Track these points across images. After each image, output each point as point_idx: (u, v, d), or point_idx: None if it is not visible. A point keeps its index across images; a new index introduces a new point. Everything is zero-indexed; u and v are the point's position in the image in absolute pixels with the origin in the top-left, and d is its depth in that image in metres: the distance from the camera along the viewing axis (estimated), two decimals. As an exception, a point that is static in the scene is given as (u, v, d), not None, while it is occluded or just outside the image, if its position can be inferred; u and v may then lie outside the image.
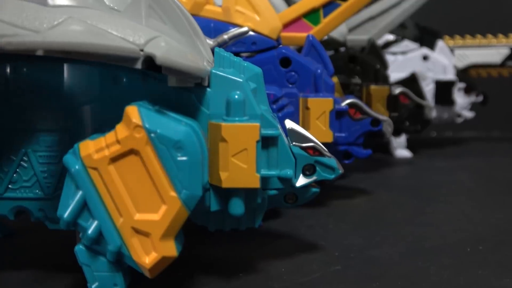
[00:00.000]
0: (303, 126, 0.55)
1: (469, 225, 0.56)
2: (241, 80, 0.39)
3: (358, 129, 0.60)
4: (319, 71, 0.57)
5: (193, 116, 0.39)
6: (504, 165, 0.88)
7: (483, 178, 0.80)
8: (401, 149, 0.96)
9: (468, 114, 1.01)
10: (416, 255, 0.47)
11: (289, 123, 0.43)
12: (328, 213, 0.61)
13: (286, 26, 0.61)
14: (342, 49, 0.79)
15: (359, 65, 0.76)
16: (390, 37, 0.95)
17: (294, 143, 0.42)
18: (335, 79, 0.71)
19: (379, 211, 0.63)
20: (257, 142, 0.37)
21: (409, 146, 0.96)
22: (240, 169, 0.37)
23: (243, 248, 0.50)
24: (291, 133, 0.42)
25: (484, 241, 0.50)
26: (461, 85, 0.98)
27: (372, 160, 0.93)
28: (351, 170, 0.82)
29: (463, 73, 1.00)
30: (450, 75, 0.96)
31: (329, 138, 0.55)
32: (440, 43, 0.97)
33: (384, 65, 0.77)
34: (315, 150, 0.42)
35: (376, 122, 0.59)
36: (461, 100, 0.99)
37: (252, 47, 0.58)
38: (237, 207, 0.39)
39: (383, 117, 0.60)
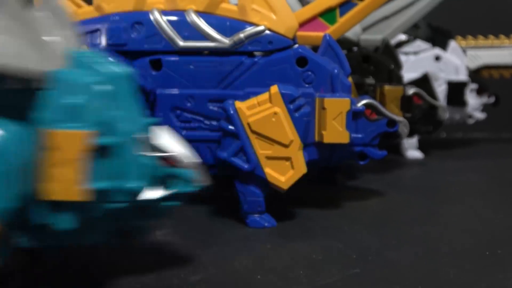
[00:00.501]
0: (319, 126, 0.55)
1: (485, 228, 0.56)
2: (85, 82, 0.35)
3: (374, 130, 0.58)
4: (336, 71, 0.56)
5: (28, 120, 0.35)
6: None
7: (495, 179, 0.79)
8: (412, 150, 0.95)
9: (480, 115, 1.01)
10: (434, 258, 0.47)
11: (159, 131, 0.41)
12: (341, 215, 0.61)
13: (302, 25, 0.60)
14: (355, 48, 0.79)
15: (372, 65, 0.75)
16: (403, 37, 0.95)
17: (146, 153, 0.38)
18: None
19: (392, 212, 0.62)
20: (88, 151, 0.34)
21: (420, 147, 0.96)
22: (65, 180, 0.34)
23: (258, 250, 0.49)
24: (151, 142, 0.40)
25: (502, 245, 0.50)
26: (473, 86, 0.97)
27: (383, 161, 0.91)
28: (362, 171, 0.81)
29: (475, 74, 0.99)
30: (462, 76, 0.95)
31: (346, 139, 0.55)
32: (452, 44, 0.97)
33: (398, 65, 0.77)
34: (171, 160, 0.40)
35: (392, 123, 0.59)
36: (473, 101, 0.98)
37: (268, 46, 0.57)
38: (62, 221, 0.35)
39: (399, 118, 0.59)
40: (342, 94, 0.56)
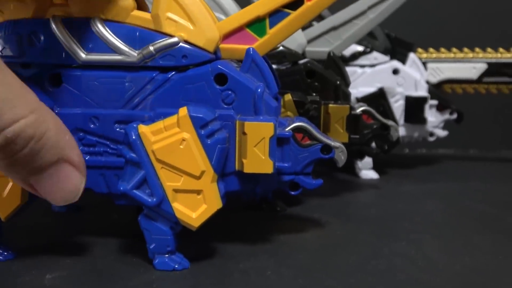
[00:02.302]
0: (240, 154, 0.49)
1: (430, 274, 0.49)
2: None
3: (307, 156, 0.52)
4: (259, 90, 0.49)
5: None
6: (478, 193, 0.80)
7: (454, 209, 0.72)
8: (366, 170, 0.88)
9: (441, 133, 0.94)
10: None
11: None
12: (270, 253, 0.54)
13: (227, 37, 0.52)
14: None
15: (317, 81, 0.68)
16: (358, 48, 0.88)
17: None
18: (287, 96, 0.64)
19: (329, 251, 0.55)
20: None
21: (378, 164, 0.89)
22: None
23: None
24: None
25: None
26: (434, 101, 0.90)
27: (335, 182, 0.86)
28: (307, 195, 0.74)
29: (436, 89, 0.92)
30: (422, 91, 0.89)
31: (269, 169, 0.48)
32: (411, 56, 0.90)
33: (346, 81, 0.70)
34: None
35: (327, 148, 0.52)
36: (433, 118, 0.91)
37: (182, 61, 0.49)
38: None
39: (336, 143, 0.52)
40: (266, 117, 0.49)
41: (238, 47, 0.52)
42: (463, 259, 0.53)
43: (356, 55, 0.88)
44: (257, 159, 0.48)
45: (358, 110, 0.69)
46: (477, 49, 0.94)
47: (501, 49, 0.93)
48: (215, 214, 0.48)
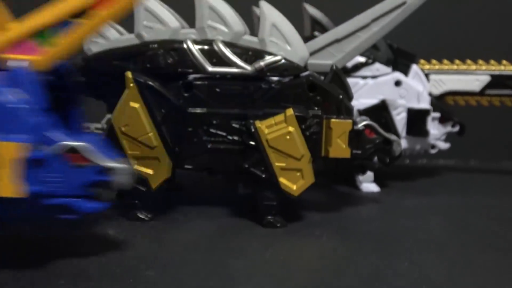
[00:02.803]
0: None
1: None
2: None
3: (81, 178, 0.50)
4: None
5: None
6: (481, 208, 0.79)
7: (457, 225, 0.71)
8: (367, 183, 0.87)
9: (443, 145, 0.92)
10: None
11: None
12: (269, 274, 0.53)
13: (14, 46, 0.51)
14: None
15: (319, 94, 0.67)
16: (360, 59, 0.86)
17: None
18: (289, 111, 0.63)
19: (330, 273, 0.54)
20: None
21: (379, 176, 0.87)
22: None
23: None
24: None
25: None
26: (436, 114, 0.89)
27: (335, 195, 0.85)
28: (308, 209, 0.73)
29: (438, 101, 0.91)
30: (424, 103, 0.87)
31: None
32: (414, 67, 0.88)
33: (348, 94, 0.68)
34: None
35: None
36: (435, 130, 0.90)
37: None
38: None
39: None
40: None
41: (22, 57, 0.51)
42: (465, 279, 0.52)
43: (358, 66, 0.87)
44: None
45: (361, 125, 0.68)
46: (480, 61, 0.93)
47: (504, 62, 0.92)
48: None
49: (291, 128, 0.65)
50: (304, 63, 0.68)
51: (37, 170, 0.48)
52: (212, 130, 0.67)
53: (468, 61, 0.93)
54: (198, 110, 0.67)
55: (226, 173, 0.71)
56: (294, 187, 0.66)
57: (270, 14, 0.68)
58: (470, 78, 0.92)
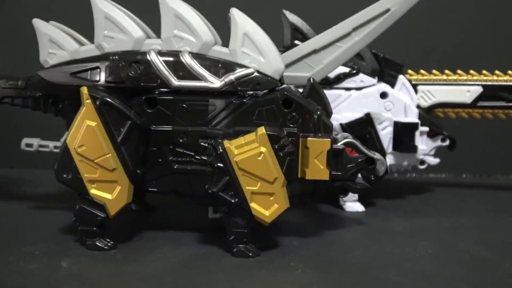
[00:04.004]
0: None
1: None
2: None
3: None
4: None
5: None
6: (473, 231, 0.72)
7: (447, 252, 0.65)
8: (351, 203, 0.81)
9: (433, 161, 0.86)
10: None
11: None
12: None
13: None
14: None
15: (295, 111, 0.61)
16: (343, 69, 0.80)
17: None
18: (261, 130, 0.57)
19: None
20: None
21: (364, 193, 0.81)
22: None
23: None
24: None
25: None
26: (424, 128, 0.83)
27: (317, 216, 0.79)
28: (286, 234, 0.67)
29: (427, 114, 0.85)
30: (412, 117, 0.81)
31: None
32: (401, 78, 0.83)
33: (327, 110, 0.63)
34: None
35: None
36: (424, 145, 0.84)
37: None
38: None
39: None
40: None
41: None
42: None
43: (341, 77, 0.81)
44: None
45: (341, 143, 0.62)
46: (471, 71, 0.87)
47: (497, 72, 0.86)
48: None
49: (263, 148, 0.59)
50: (279, 76, 0.62)
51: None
52: (179, 150, 0.63)
53: (459, 71, 0.87)
54: (163, 128, 0.63)
55: (195, 197, 0.64)
56: (267, 213, 0.60)
57: (242, 23, 0.62)
58: (460, 89, 0.86)
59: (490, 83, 0.86)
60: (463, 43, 1.07)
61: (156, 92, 0.62)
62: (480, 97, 0.86)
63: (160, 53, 0.62)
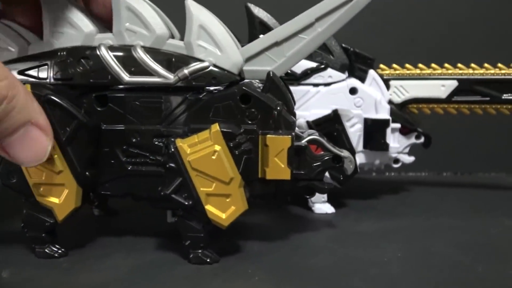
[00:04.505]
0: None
1: None
2: None
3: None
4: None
5: None
6: (448, 232, 0.69)
7: (418, 256, 0.61)
8: (320, 204, 0.77)
9: (407, 159, 0.83)
10: None
11: None
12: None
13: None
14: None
15: (254, 106, 0.57)
16: (311, 64, 0.77)
17: None
18: (214, 127, 0.53)
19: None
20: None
21: (337, 193, 0.78)
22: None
23: None
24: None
25: None
26: (396, 125, 0.79)
27: (285, 218, 0.75)
28: (249, 238, 0.64)
29: (401, 110, 0.81)
30: (383, 113, 0.78)
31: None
32: (371, 73, 0.79)
33: (288, 106, 0.59)
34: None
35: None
36: (396, 143, 0.80)
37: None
38: None
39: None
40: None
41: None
42: None
43: (308, 73, 0.77)
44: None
45: (304, 140, 0.58)
46: (446, 65, 0.83)
47: (473, 65, 0.83)
48: None
49: (217, 147, 0.55)
50: (237, 70, 0.58)
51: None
52: (132, 150, 0.59)
53: (433, 65, 0.83)
54: (115, 127, 0.59)
55: (152, 200, 0.60)
56: (223, 216, 0.57)
57: (197, 14, 0.58)
58: (435, 83, 0.82)
59: (465, 77, 0.82)
60: (437, 36, 1.03)
61: (107, 89, 0.58)
62: (455, 92, 0.82)
63: (111, 48, 0.58)
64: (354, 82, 0.78)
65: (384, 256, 0.61)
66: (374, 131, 0.77)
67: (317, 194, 0.73)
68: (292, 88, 0.76)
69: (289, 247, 0.63)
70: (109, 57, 0.58)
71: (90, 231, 0.68)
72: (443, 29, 1.03)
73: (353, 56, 0.80)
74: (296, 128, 0.60)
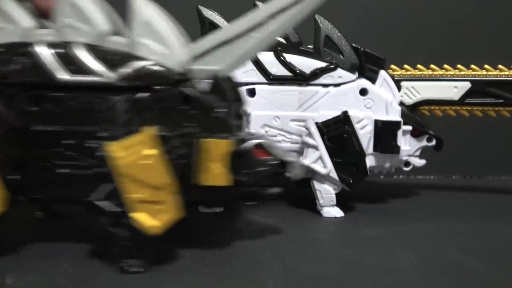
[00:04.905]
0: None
1: None
2: None
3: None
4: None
5: None
6: (461, 237, 0.67)
7: (432, 263, 0.59)
8: (328, 208, 0.75)
9: (418, 162, 0.81)
10: None
11: None
12: None
13: None
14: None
15: (195, 108, 0.54)
16: (320, 64, 0.75)
17: None
18: (147, 130, 0.52)
19: None
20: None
21: (345, 197, 0.75)
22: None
23: None
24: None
25: None
26: (407, 127, 0.77)
27: (292, 222, 0.73)
28: (259, 244, 0.61)
29: (412, 111, 0.79)
30: (394, 115, 0.76)
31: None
32: (382, 73, 0.77)
33: (232, 107, 0.56)
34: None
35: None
36: (407, 146, 0.78)
37: None
38: None
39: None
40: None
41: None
42: None
43: (317, 73, 0.75)
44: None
45: (247, 144, 0.56)
46: (459, 66, 0.81)
47: (486, 66, 0.81)
48: None
49: (150, 151, 0.52)
50: (183, 69, 0.55)
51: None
52: (66, 153, 0.55)
53: (445, 66, 0.81)
54: (48, 128, 0.55)
55: (84, 204, 0.56)
56: (155, 224, 0.53)
57: (142, 10, 0.54)
58: (447, 85, 0.80)
59: (478, 78, 0.80)
60: (450, 36, 1.01)
61: (41, 88, 0.55)
62: (468, 94, 0.80)
63: (49, 45, 0.54)
64: (364, 83, 0.76)
65: (397, 263, 0.59)
66: (385, 133, 0.75)
67: (325, 197, 0.72)
68: (301, 88, 0.75)
69: (300, 253, 0.61)
70: (46, 54, 0.54)
71: (17, 238, 0.63)
72: (456, 29, 1.00)
73: (363, 56, 0.78)
74: (248, 131, 0.59)
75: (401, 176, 1.03)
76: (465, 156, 1.03)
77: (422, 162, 0.81)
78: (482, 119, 0.83)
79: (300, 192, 0.79)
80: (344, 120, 0.73)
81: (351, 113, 0.73)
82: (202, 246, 0.61)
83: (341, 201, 0.76)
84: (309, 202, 0.77)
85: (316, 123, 0.73)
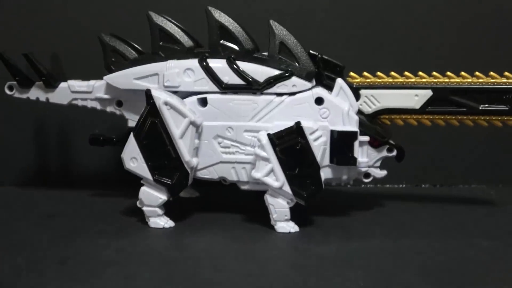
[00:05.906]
0: None
1: None
2: None
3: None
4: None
5: None
6: (418, 256, 0.64)
7: (377, 286, 0.55)
8: (282, 222, 0.72)
9: (379, 173, 0.77)
10: None
11: None
12: None
13: None
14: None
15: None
16: (274, 72, 0.71)
17: None
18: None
19: None
20: None
21: (304, 208, 0.72)
22: None
23: None
24: None
25: None
26: (364, 138, 0.74)
27: (244, 238, 0.69)
28: (200, 262, 0.58)
29: (372, 121, 0.76)
30: (351, 125, 0.72)
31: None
32: (339, 81, 0.73)
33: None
34: None
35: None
36: (365, 157, 0.75)
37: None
38: None
39: None
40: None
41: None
42: None
43: (271, 81, 0.72)
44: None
45: None
46: (420, 73, 0.77)
47: (449, 73, 0.77)
48: None
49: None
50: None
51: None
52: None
53: (406, 73, 0.77)
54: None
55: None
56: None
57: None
58: (408, 93, 0.77)
59: (440, 86, 0.76)
60: (411, 43, 0.97)
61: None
62: (429, 102, 0.76)
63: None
64: (320, 91, 0.73)
65: (342, 285, 0.55)
66: (341, 145, 0.71)
67: (278, 211, 0.68)
68: (255, 98, 0.72)
69: (242, 275, 0.58)
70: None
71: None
72: (417, 35, 0.96)
73: (321, 63, 0.75)
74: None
75: (368, 186, 0.99)
76: (435, 165, 1.00)
77: (383, 173, 0.77)
78: (450, 127, 0.80)
79: (259, 204, 0.75)
80: (297, 131, 0.69)
81: (304, 124, 0.69)
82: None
83: (298, 213, 0.73)
84: (266, 216, 0.73)
85: (268, 135, 0.69)
